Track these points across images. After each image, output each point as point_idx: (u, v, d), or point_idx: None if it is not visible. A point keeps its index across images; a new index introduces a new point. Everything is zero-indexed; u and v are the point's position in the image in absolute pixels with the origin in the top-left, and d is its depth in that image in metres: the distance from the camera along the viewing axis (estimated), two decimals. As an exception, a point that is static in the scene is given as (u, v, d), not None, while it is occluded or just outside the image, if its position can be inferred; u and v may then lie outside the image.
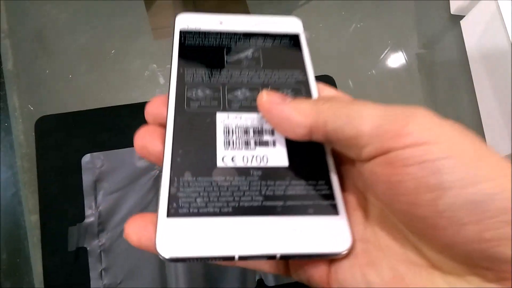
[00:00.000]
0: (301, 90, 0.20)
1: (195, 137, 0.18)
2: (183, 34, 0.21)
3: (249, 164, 0.17)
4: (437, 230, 0.13)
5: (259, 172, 0.17)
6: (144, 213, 0.16)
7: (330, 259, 0.16)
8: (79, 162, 0.46)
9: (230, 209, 0.16)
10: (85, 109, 0.49)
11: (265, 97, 0.17)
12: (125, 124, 0.48)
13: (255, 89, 0.20)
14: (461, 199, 0.12)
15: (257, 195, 0.16)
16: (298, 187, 0.17)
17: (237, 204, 0.16)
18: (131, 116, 0.48)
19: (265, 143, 0.18)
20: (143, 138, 0.18)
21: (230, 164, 0.17)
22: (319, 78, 0.54)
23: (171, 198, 0.16)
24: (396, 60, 0.58)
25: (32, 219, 0.46)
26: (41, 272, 0.43)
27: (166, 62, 0.54)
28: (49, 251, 0.43)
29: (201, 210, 0.15)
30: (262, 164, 0.17)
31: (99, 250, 0.43)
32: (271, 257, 0.15)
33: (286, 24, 0.22)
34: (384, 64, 0.57)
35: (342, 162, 0.18)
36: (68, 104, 0.51)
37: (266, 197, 0.16)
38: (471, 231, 0.12)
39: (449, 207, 0.12)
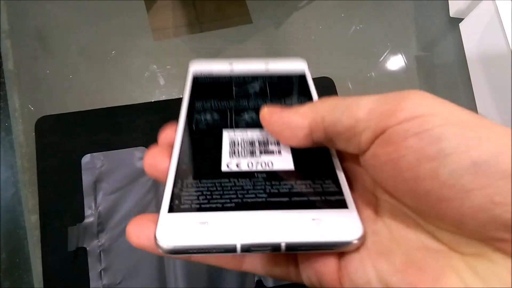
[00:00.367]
0: None
1: (200, 147, 0.18)
2: (196, 76, 0.23)
3: (254, 169, 0.17)
4: (443, 203, 0.12)
5: (264, 174, 0.17)
6: (146, 214, 0.16)
7: (340, 252, 0.15)
8: (79, 162, 0.46)
9: (233, 205, 0.15)
10: (85, 109, 0.49)
11: (266, 109, 0.17)
12: (125, 125, 0.48)
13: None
14: (463, 163, 0.12)
15: (261, 193, 0.16)
16: (304, 185, 0.16)
17: (240, 201, 0.16)
18: (131, 117, 0.49)
19: (271, 152, 0.18)
20: (153, 157, 0.18)
21: (234, 169, 0.17)
22: (318, 80, 0.54)
23: (174, 196, 0.16)
24: (395, 62, 0.59)
25: (31, 219, 0.46)
26: (40, 272, 0.43)
27: (166, 63, 0.54)
28: (48, 251, 0.43)
29: (203, 206, 0.15)
30: (268, 169, 0.17)
31: (98, 250, 0.44)
32: (276, 248, 0.14)
33: (292, 64, 0.24)
34: (383, 66, 0.58)
35: (349, 164, 0.18)
36: (68, 104, 0.51)
37: (271, 194, 0.16)
38: (478, 197, 0.11)
39: (451, 174, 0.12)
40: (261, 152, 0.18)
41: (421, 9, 0.63)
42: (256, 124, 0.20)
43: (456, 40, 0.63)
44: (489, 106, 0.62)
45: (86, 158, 0.46)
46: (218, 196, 0.16)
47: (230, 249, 0.14)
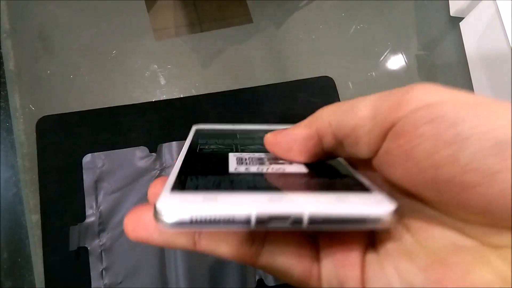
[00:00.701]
0: None
1: (206, 161, 0.17)
2: (198, 129, 0.23)
3: (264, 171, 0.16)
4: (466, 190, 0.11)
5: (275, 174, 0.16)
6: (143, 204, 0.15)
7: (370, 231, 0.13)
8: (80, 162, 0.46)
9: (246, 187, 0.14)
10: (86, 109, 0.49)
11: (269, 134, 0.17)
12: (126, 124, 0.48)
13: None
14: (485, 144, 0.11)
15: (276, 180, 0.15)
16: (323, 178, 0.15)
17: (254, 185, 0.14)
18: (132, 116, 0.49)
19: (281, 163, 0.17)
20: (156, 186, 0.17)
21: (243, 171, 0.16)
22: (319, 79, 0.54)
23: (180, 175, 0.14)
24: (395, 61, 0.59)
25: (33, 219, 0.46)
26: (42, 272, 0.43)
27: (166, 62, 0.54)
28: (50, 250, 0.44)
29: (212, 185, 0.14)
30: (281, 171, 0.16)
31: (100, 250, 0.44)
32: (298, 221, 0.12)
33: None
34: (383, 66, 0.58)
35: (361, 173, 0.17)
36: (69, 104, 0.51)
37: (288, 182, 0.14)
38: (506, 179, 0.10)
39: (473, 156, 0.11)
40: (270, 163, 0.17)
41: (421, 9, 0.63)
42: (261, 149, 0.19)
43: (457, 39, 0.63)
44: (490, 106, 0.61)
45: (87, 158, 0.46)
46: (228, 183, 0.14)
47: (243, 220, 0.12)
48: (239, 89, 0.51)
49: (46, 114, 0.49)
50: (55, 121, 0.48)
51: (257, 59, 0.55)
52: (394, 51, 0.59)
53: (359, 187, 0.14)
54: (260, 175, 0.15)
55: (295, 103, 0.50)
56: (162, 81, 0.53)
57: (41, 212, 0.45)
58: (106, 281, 0.43)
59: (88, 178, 0.46)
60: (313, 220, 0.12)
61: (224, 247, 0.15)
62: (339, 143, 0.15)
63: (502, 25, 0.56)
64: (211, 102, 0.50)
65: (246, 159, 0.17)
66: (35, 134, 0.48)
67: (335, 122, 0.14)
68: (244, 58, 0.55)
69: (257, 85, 0.51)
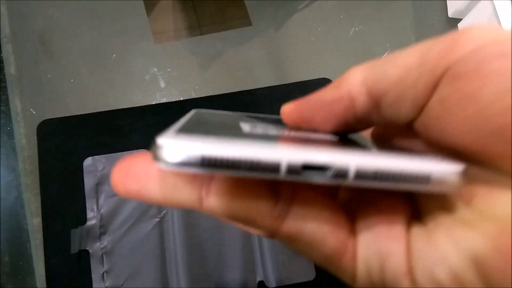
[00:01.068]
0: None
1: (215, 120, 0.14)
2: (198, 112, 0.18)
3: (286, 135, 0.12)
4: None
5: (302, 136, 0.12)
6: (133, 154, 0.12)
7: (433, 196, 0.11)
8: (81, 165, 0.47)
9: (272, 139, 0.11)
10: (87, 112, 0.50)
11: (288, 104, 0.13)
12: (127, 127, 0.49)
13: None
14: None
15: (304, 138, 0.12)
16: (362, 145, 0.12)
17: (277, 138, 0.11)
18: (132, 119, 0.49)
19: (304, 132, 0.13)
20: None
21: (260, 132, 0.12)
22: (318, 81, 0.54)
23: (185, 125, 0.11)
24: (394, 62, 0.59)
25: (34, 222, 0.46)
26: (43, 275, 0.44)
27: (166, 65, 0.54)
28: (51, 253, 0.44)
29: (225, 133, 0.11)
30: (306, 137, 0.12)
31: (101, 253, 0.44)
32: (341, 174, 0.09)
33: None
34: (382, 67, 0.58)
35: None
36: (69, 107, 0.51)
37: (318, 141, 0.11)
38: None
39: None
40: (290, 131, 0.13)
41: (420, 10, 0.63)
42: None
43: (455, 40, 0.63)
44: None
45: (88, 161, 0.47)
46: (247, 135, 0.11)
47: (270, 166, 0.09)
48: (239, 91, 0.51)
49: (46, 118, 0.49)
50: (56, 124, 0.49)
51: (256, 61, 0.56)
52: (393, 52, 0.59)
53: (409, 151, 0.11)
54: (283, 135, 0.12)
55: (295, 105, 0.50)
56: (162, 84, 0.53)
57: (42, 215, 0.45)
58: (107, 283, 0.43)
59: (89, 181, 0.46)
60: (361, 174, 0.09)
61: (238, 206, 0.11)
62: (375, 104, 0.12)
63: (500, 25, 0.56)
64: (210, 105, 0.50)
65: (261, 125, 0.14)
66: (36, 137, 0.48)
67: (372, 76, 0.12)
68: (243, 61, 0.56)
69: (256, 87, 0.52)
